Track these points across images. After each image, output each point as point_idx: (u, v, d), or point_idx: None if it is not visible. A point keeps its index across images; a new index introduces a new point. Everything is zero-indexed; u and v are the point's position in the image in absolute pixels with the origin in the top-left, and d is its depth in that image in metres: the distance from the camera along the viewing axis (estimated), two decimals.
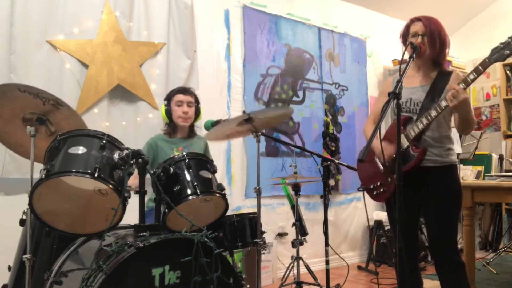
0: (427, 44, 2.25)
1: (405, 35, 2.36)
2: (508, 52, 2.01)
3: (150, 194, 2.40)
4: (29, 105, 1.88)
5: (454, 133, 4.37)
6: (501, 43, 2.04)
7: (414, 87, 2.32)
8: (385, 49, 5.06)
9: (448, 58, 2.37)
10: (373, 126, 2.49)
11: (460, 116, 2.18)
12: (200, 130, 2.91)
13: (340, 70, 4.72)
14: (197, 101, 2.81)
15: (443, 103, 2.13)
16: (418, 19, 2.30)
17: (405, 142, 2.23)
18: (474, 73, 2.04)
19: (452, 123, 2.35)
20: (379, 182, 2.37)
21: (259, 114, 2.33)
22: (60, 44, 2.97)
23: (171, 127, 2.77)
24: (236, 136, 2.56)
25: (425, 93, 2.28)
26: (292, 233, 3.41)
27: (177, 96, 2.73)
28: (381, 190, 2.36)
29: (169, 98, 2.77)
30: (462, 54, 5.61)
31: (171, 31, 3.47)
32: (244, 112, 2.68)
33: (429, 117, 2.17)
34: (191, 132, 2.82)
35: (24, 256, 1.81)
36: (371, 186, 2.43)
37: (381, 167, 2.34)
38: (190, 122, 2.76)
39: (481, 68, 2.04)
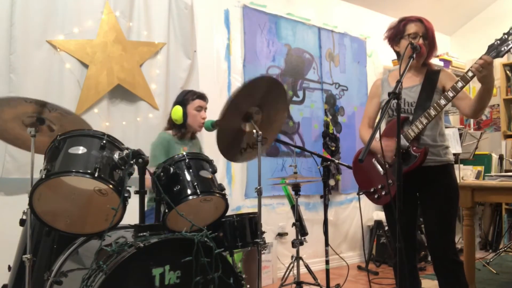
0: (427, 45, 2.25)
1: (400, 34, 2.31)
2: (505, 48, 1.99)
3: (150, 194, 2.40)
4: (31, 109, 1.88)
5: (454, 133, 4.38)
6: (497, 40, 2.02)
7: (407, 87, 2.32)
8: (385, 49, 5.00)
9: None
10: (368, 129, 2.48)
11: (485, 88, 2.08)
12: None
13: (340, 70, 4.71)
14: None
15: (443, 102, 2.13)
16: (418, 19, 2.28)
17: (404, 143, 2.23)
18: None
19: (452, 123, 2.35)
20: (380, 184, 2.33)
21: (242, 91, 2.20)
22: (60, 44, 2.97)
23: (183, 130, 2.80)
24: (248, 149, 2.39)
25: (418, 93, 2.28)
26: (292, 233, 3.41)
27: (197, 101, 2.79)
28: (383, 193, 2.32)
29: (186, 101, 2.78)
30: (462, 54, 5.60)
31: (171, 31, 3.47)
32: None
33: (428, 117, 2.16)
34: (193, 133, 2.89)
35: (24, 256, 1.81)
36: (371, 190, 2.38)
37: (381, 169, 2.33)
38: None
39: None
